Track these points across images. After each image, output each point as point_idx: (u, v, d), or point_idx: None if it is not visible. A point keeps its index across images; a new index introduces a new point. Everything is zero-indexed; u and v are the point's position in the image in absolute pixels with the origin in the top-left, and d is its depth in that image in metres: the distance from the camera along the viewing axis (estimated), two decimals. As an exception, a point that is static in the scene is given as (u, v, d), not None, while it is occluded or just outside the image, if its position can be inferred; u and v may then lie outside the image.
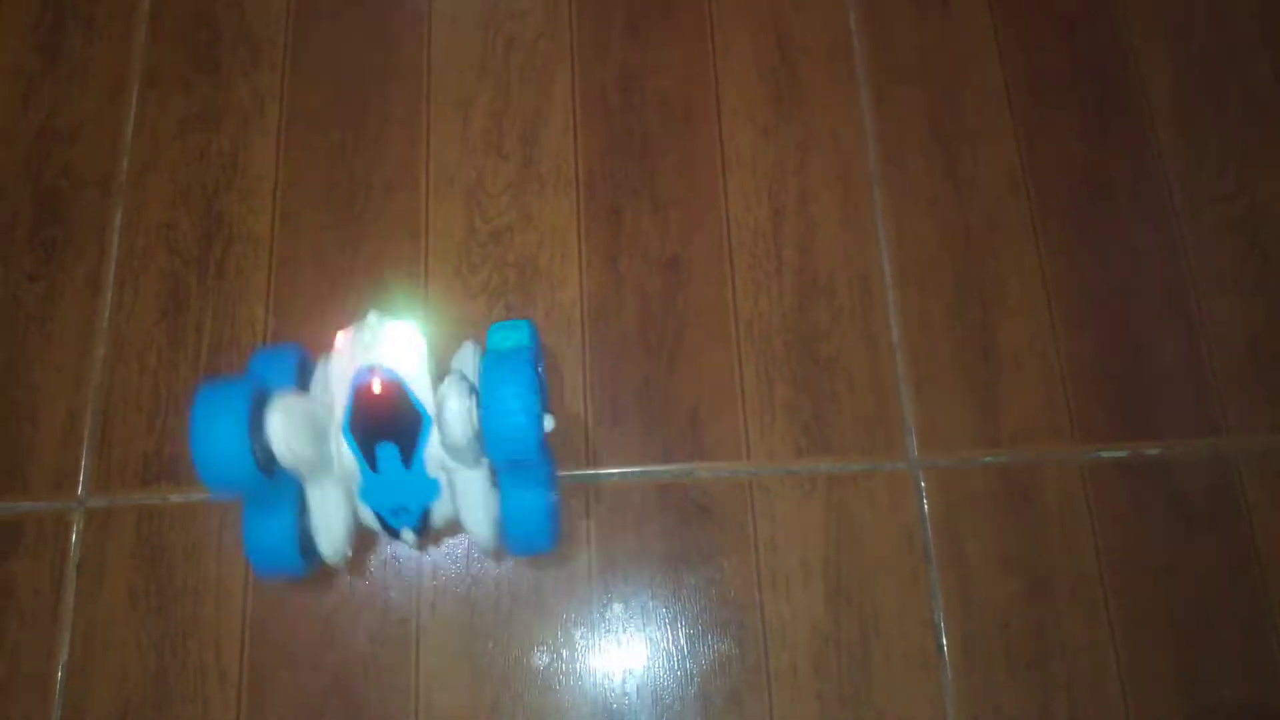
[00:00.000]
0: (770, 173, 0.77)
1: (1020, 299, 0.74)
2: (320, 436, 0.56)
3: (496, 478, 0.59)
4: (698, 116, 0.79)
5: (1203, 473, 0.71)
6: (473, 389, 0.56)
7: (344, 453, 0.57)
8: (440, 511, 0.59)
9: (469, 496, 0.59)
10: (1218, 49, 0.82)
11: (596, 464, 0.70)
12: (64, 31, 0.81)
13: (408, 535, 0.59)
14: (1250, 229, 0.77)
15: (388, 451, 0.57)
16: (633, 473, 0.70)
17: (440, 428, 0.55)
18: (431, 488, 0.58)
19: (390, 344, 0.56)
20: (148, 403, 0.71)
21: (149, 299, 0.74)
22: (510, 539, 0.60)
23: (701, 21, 0.81)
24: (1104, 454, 0.71)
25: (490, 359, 0.57)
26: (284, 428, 0.52)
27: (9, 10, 0.81)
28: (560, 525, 0.63)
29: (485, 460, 0.58)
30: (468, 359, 0.62)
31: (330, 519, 0.58)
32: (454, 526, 0.60)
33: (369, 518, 0.58)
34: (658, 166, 0.77)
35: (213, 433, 0.52)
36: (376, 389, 0.56)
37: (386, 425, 0.56)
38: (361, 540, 0.62)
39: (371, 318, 0.57)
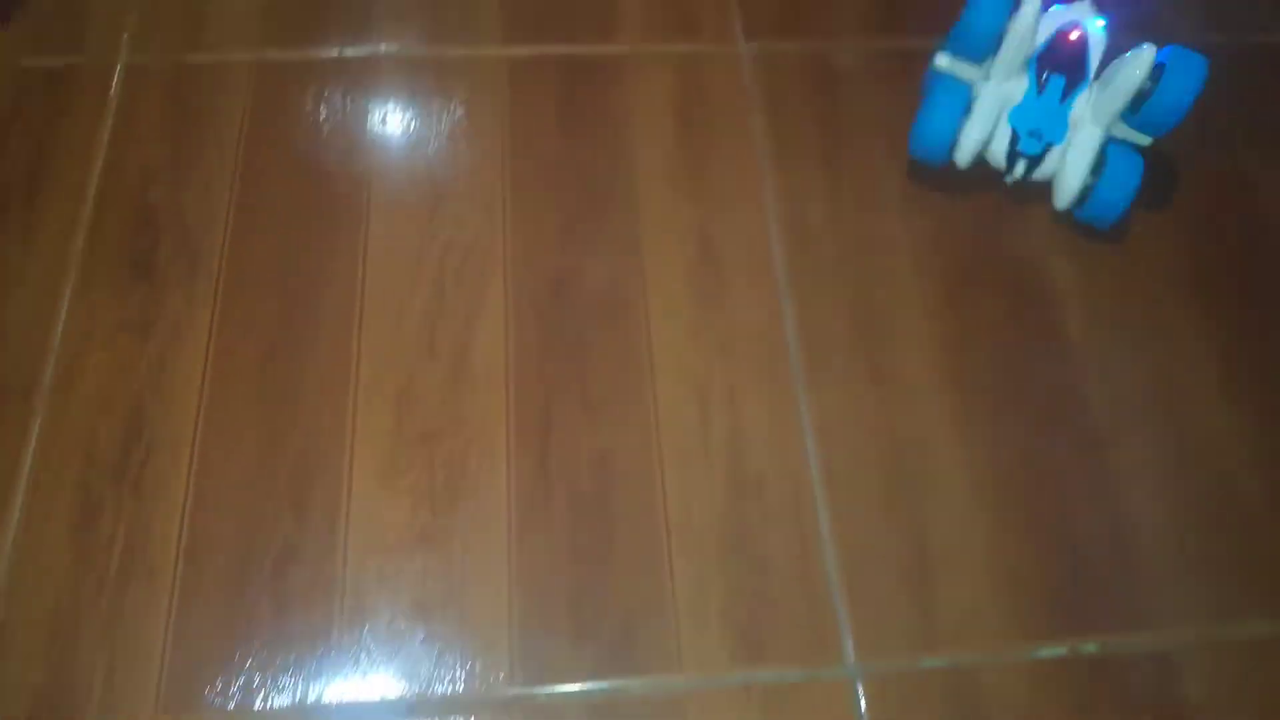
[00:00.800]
0: (698, 372, 0.79)
1: (950, 496, 0.75)
2: (1030, 45, 0.78)
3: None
4: (627, 317, 0.81)
5: (1144, 666, 0.70)
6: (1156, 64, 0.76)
7: (1024, 76, 0.80)
8: (1052, 160, 0.80)
9: (1083, 145, 0.79)
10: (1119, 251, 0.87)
11: (520, 682, 0.67)
12: (3, 235, 0.82)
13: (1019, 166, 0.81)
14: (1164, 413, 0.79)
15: (1055, 83, 0.78)
16: (561, 692, 0.67)
17: (1121, 70, 0.76)
18: (1064, 128, 0.79)
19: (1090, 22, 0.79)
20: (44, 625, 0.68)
21: (60, 512, 0.71)
22: (1101, 191, 0.79)
23: (633, 226, 0.85)
24: (1044, 652, 0.70)
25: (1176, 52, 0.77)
26: (1035, 6, 0.76)
27: (-51, 218, 0.83)
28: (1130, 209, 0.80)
29: (1107, 129, 0.79)
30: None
31: (980, 122, 0.79)
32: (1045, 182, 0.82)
33: (1003, 138, 0.80)
34: (588, 366, 0.78)
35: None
36: (1073, 36, 0.78)
37: (1064, 62, 0.78)
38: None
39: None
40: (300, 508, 0.72)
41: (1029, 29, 0.77)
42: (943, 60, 0.82)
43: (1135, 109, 0.78)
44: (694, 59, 0.94)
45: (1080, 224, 0.84)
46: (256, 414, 0.75)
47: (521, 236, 0.84)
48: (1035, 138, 0.79)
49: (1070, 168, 0.80)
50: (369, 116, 0.89)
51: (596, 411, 0.76)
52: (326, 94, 0.90)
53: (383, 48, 0.93)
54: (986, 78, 0.81)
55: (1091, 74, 0.80)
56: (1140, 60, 0.75)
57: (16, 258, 0.81)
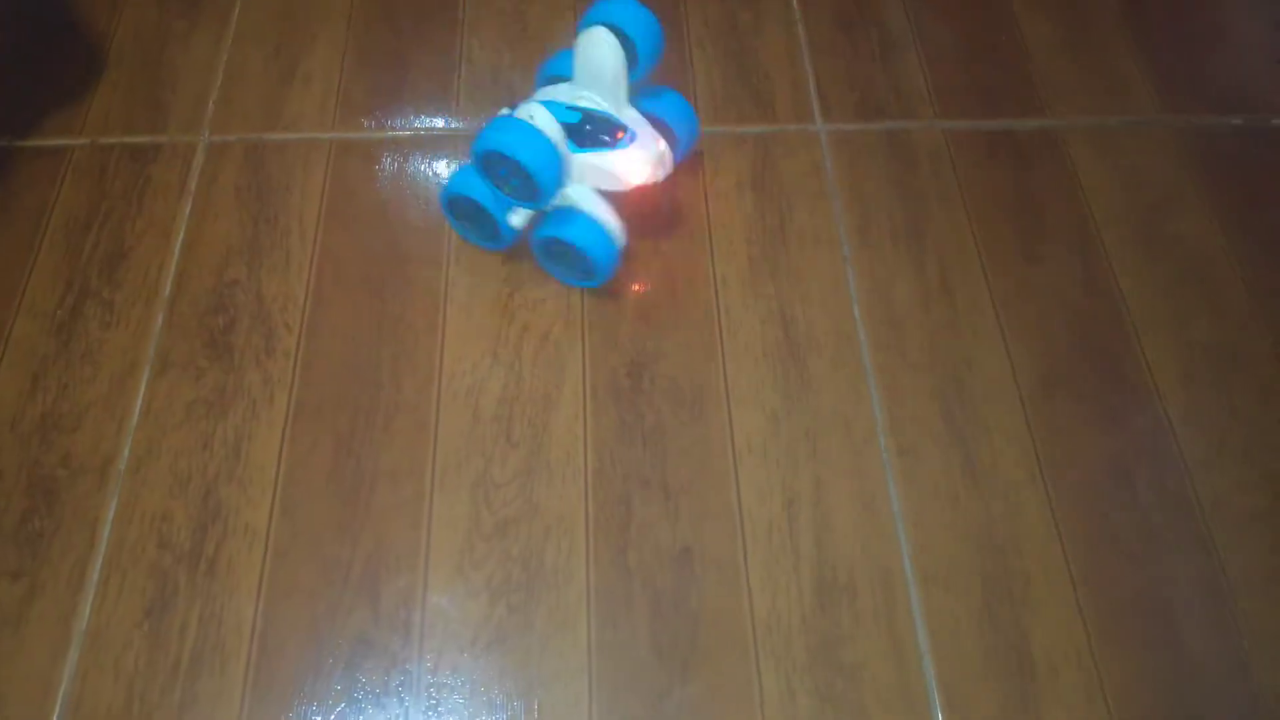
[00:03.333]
0: (782, 460, 0.76)
1: (1049, 599, 0.71)
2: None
3: None
4: (707, 403, 0.78)
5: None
6: None
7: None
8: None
9: (639, 124, 0.79)
10: (1218, 332, 0.83)
11: (604, 790, 0.64)
12: (81, 315, 0.82)
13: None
14: (1277, 520, 0.75)
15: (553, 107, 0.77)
16: (644, 802, 0.64)
17: (597, 61, 0.77)
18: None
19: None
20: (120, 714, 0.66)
21: (134, 596, 0.70)
22: (679, 133, 0.83)
23: (710, 309, 0.83)
24: (1158, 775, 0.66)
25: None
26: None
27: (34, 290, 0.83)
28: None
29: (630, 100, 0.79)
30: None
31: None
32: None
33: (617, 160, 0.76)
34: (668, 456, 0.76)
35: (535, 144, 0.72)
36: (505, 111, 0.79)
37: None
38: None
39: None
40: (375, 598, 0.70)
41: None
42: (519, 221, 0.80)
43: (634, 63, 0.78)
44: (771, 139, 0.93)
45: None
46: (332, 498, 0.74)
47: (598, 319, 0.82)
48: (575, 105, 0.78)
49: (645, 140, 0.78)
50: (438, 195, 0.89)
51: (678, 503, 0.74)
52: (405, 174, 0.90)
53: (460, 125, 0.94)
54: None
55: (571, 85, 0.79)
56: (593, 40, 0.75)
57: (96, 334, 0.81)
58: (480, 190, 0.78)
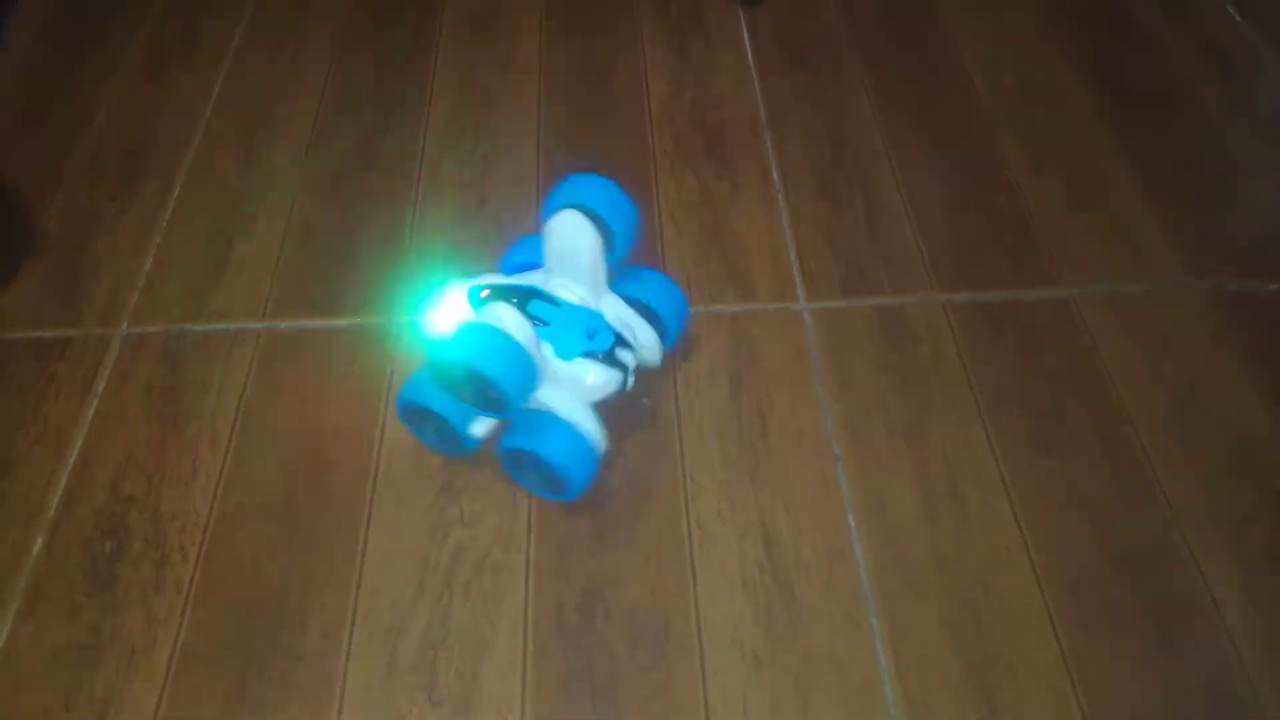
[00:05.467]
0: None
1: None
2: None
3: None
4: (674, 644, 0.65)
5: None
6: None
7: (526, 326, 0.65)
8: (607, 335, 0.68)
9: (624, 314, 0.71)
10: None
11: None
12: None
13: (632, 369, 0.69)
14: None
15: (537, 306, 0.68)
16: None
17: (564, 243, 0.68)
18: (589, 313, 0.69)
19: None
20: None
21: None
22: (669, 325, 0.74)
23: (679, 523, 0.71)
24: None
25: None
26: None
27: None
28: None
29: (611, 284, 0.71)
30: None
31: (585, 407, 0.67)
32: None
33: (601, 380, 0.67)
34: (625, 712, 0.62)
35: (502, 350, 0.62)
36: (486, 292, 0.70)
37: (515, 295, 0.69)
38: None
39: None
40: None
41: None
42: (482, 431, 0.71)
43: (610, 247, 0.70)
44: (749, 320, 0.84)
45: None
46: (209, 779, 0.60)
47: (547, 537, 0.70)
48: (593, 336, 0.68)
49: (639, 330, 0.71)
50: (380, 394, 0.79)
51: (635, 780, 0.60)
52: (334, 366, 0.81)
53: (399, 319, 0.84)
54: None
55: (534, 284, 0.70)
56: (565, 225, 0.68)
57: (-36, 567, 0.69)
58: (437, 398, 0.67)
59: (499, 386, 0.61)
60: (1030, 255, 0.89)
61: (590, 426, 0.67)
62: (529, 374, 0.63)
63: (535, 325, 0.66)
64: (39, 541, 0.71)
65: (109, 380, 0.80)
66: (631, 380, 0.70)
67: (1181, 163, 0.97)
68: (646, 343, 0.71)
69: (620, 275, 0.72)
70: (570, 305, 0.69)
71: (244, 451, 0.75)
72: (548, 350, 0.67)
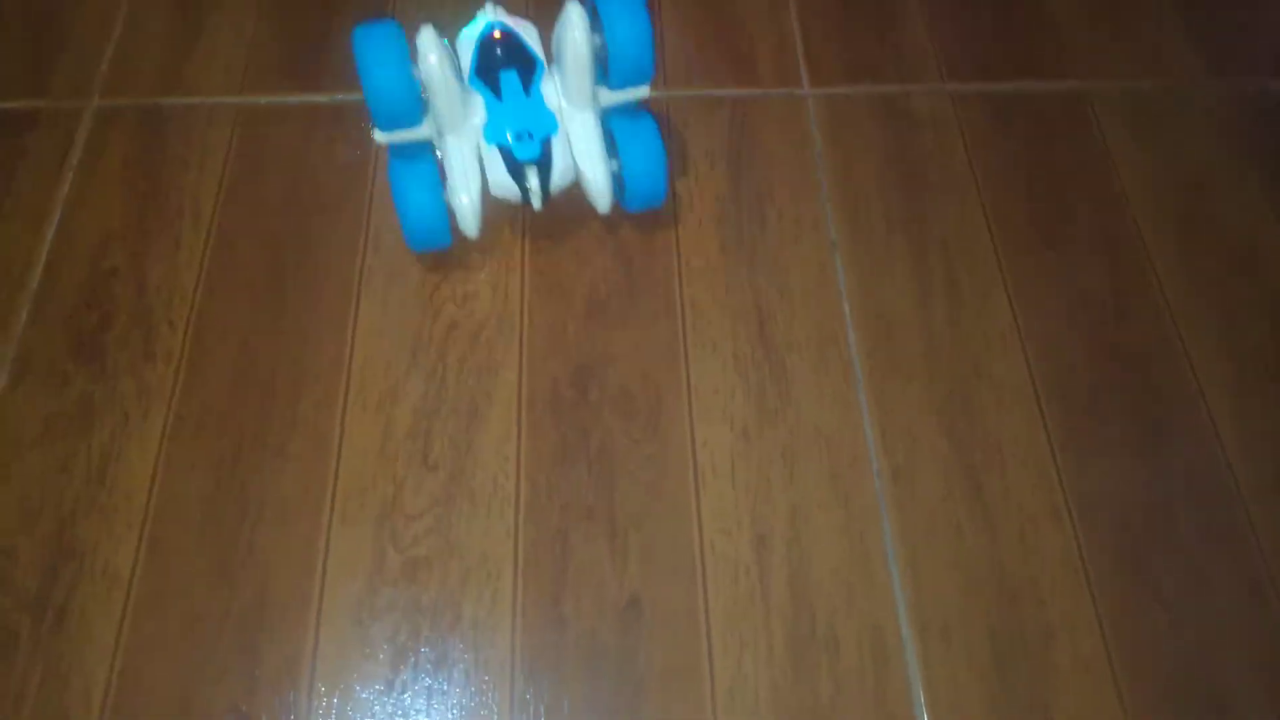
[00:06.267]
0: (753, 487, 0.63)
1: (1074, 659, 0.58)
2: (455, 79, 0.64)
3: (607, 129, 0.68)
4: (665, 417, 0.66)
5: None
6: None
7: (473, 99, 0.66)
8: (560, 157, 0.66)
9: (586, 141, 0.67)
10: (1275, 333, 0.70)
11: None
12: (-65, 313, 0.69)
13: (534, 191, 0.65)
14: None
15: (509, 78, 0.66)
16: None
17: (563, 40, 0.64)
18: (550, 119, 0.66)
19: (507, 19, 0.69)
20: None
21: (-34, 652, 0.58)
22: (630, 186, 0.68)
23: (673, 302, 0.70)
24: None
25: None
26: (435, 45, 0.61)
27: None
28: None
29: (597, 107, 0.68)
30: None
31: (462, 180, 0.66)
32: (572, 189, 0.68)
33: (497, 167, 0.65)
34: (616, 482, 0.63)
35: (381, 61, 0.61)
36: (497, 35, 0.67)
37: (506, 58, 0.67)
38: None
39: (489, 7, 0.69)
40: (253, 661, 0.57)
41: (443, 79, 0.63)
42: (380, 136, 0.65)
43: (604, 70, 0.66)
44: (749, 104, 0.80)
45: (635, 215, 0.73)
46: (210, 534, 0.61)
47: (540, 315, 0.70)
48: (527, 138, 0.65)
49: (588, 163, 0.67)
50: (365, 170, 0.76)
51: (626, 540, 0.61)
52: (316, 143, 0.77)
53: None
54: (440, 132, 0.67)
55: (542, 61, 0.69)
56: (573, 21, 0.64)
57: (-53, 335, 0.68)
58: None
59: (364, 87, 0.61)
60: (1045, 48, 0.85)
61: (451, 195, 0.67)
62: (397, 98, 0.62)
63: (487, 91, 0.66)
64: (23, 313, 0.69)
65: (82, 154, 0.76)
66: (538, 203, 0.67)
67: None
68: (593, 185, 0.68)
69: (623, 111, 0.69)
70: (533, 99, 0.66)
71: (227, 226, 0.73)
72: (477, 115, 0.66)
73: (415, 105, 0.63)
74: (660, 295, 0.71)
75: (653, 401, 0.66)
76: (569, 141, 0.67)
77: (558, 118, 0.67)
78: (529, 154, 0.65)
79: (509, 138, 0.65)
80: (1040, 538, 0.62)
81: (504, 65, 0.67)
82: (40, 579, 0.60)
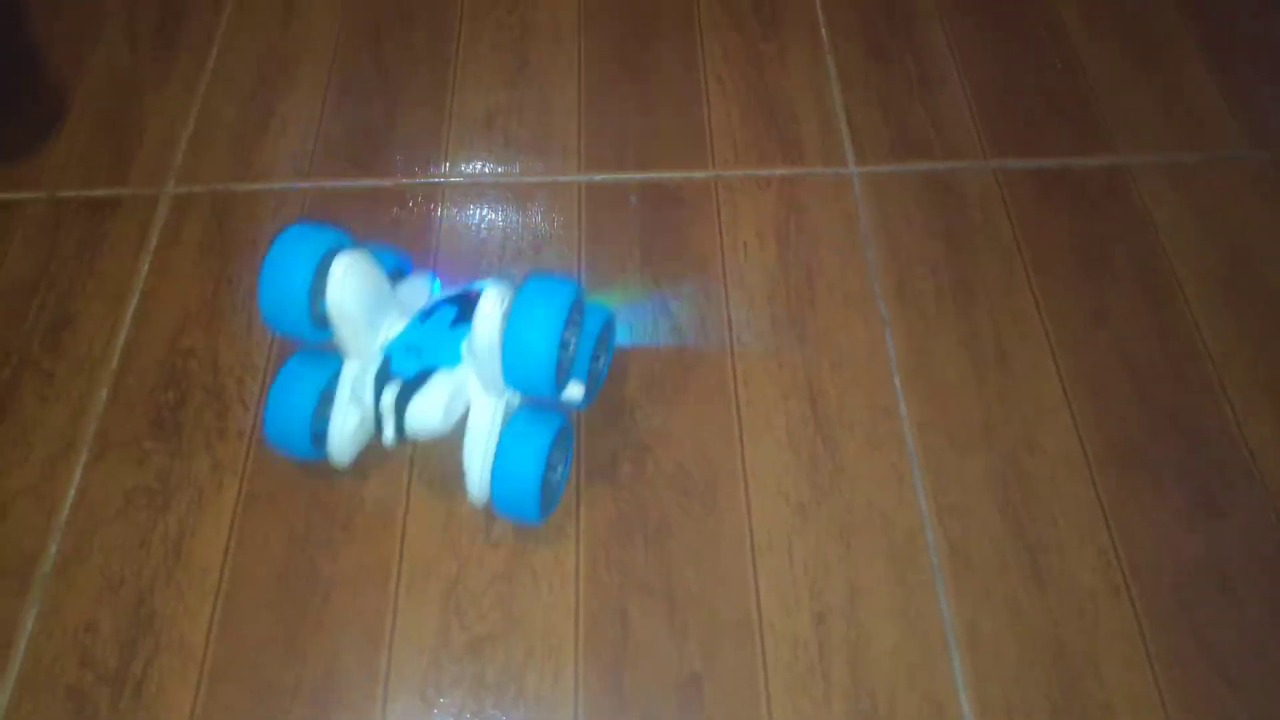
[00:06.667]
0: (810, 564, 0.64)
1: (1139, 740, 0.58)
2: (376, 302, 0.60)
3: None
4: (722, 493, 0.67)
5: None
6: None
7: (394, 324, 0.62)
8: (432, 399, 0.59)
9: (475, 425, 0.61)
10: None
11: None
12: (18, 388, 0.73)
13: (386, 410, 0.59)
14: None
15: (445, 311, 0.61)
16: None
17: (474, 326, 0.57)
18: (451, 356, 0.61)
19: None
20: None
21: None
22: (495, 494, 0.61)
23: (726, 381, 0.72)
24: None
25: (533, 283, 0.58)
26: (344, 280, 0.57)
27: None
28: (558, 501, 0.65)
29: (506, 401, 0.62)
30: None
31: (349, 405, 0.62)
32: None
33: (366, 383, 0.59)
34: (674, 558, 0.65)
35: (282, 269, 0.58)
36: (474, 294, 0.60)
37: (463, 306, 0.61)
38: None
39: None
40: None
41: (340, 312, 0.58)
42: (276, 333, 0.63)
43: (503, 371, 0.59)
44: (797, 184, 0.82)
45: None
46: (281, 608, 0.63)
47: (599, 400, 0.71)
48: (413, 353, 0.60)
49: (467, 447, 0.61)
50: (427, 239, 0.79)
51: (685, 617, 0.62)
52: (381, 224, 0.81)
53: (446, 176, 0.84)
54: (344, 351, 0.63)
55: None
56: (483, 312, 0.57)
57: (33, 410, 0.72)
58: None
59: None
60: (1085, 122, 0.87)
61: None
62: (281, 312, 0.59)
63: (422, 314, 0.62)
64: (104, 392, 0.73)
65: (160, 237, 0.80)
66: (390, 433, 0.60)
67: (1248, 29, 0.93)
68: (466, 470, 0.62)
69: (533, 414, 0.63)
70: (452, 334, 0.61)
71: (297, 307, 0.76)
72: (398, 317, 0.62)
73: (303, 322, 0.59)
74: (714, 374, 0.72)
75: (709, 479, 0.68)
76: (461, 402, 0.61)
77: (465, 367, 0.61)
78: (402, 368, 0.60)
79: (399, 349, 0.60)
80: (1099, 612, 0.62)
81: (452, 305, 0.62)
82: (120, 652, 0.62)
